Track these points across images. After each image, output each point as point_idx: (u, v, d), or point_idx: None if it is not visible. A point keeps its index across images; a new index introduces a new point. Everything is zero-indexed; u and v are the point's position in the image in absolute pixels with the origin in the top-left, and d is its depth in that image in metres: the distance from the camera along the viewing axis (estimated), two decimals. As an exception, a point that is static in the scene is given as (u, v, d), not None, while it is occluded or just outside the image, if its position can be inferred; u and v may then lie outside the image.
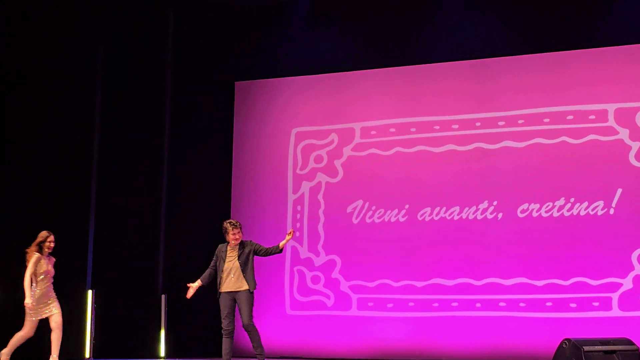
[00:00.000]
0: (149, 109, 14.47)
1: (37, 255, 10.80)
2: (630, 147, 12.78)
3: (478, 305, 13.07)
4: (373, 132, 14.16)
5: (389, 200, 13.84)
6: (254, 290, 10.20)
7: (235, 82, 15.13)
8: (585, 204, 12.86)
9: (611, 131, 12.92)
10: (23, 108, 13.56)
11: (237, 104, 15.02)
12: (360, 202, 14.04)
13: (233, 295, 10.18)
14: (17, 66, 13.44)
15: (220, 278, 10.23)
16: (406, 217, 13.72)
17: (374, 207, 13.91)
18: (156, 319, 13.31)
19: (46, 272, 10.86)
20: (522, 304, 12.87)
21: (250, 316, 10.09)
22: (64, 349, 11.31)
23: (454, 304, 13.15)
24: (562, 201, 12.95)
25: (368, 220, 13.91)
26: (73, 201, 13.52)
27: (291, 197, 14.49)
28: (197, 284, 10.35)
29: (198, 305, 11.91)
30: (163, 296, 13.25)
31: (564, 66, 13.30)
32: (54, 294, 11.00)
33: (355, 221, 14.01)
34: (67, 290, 12.77)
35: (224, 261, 10.26)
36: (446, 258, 13.30)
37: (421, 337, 13.25)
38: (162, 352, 13.50)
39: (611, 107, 12.95)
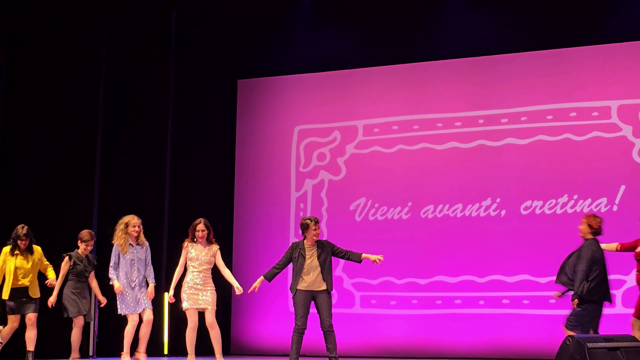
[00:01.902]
0: (152, 107, 14.47)
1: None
2: (633, 144, 12.76)
3: (481, 302, 13.06)
4: (376, 130, 14.15)
5: (392, 198, 13.83)
6: (332, 290, 10.15)
7: (238, 80, 15.13)
8: (589, 200, 12.84)
9: (614, 128, 12.91)
10: (27, 107, 13.54)
11: (239, 102, 15.02)
12: (363, 200, 14.04)
13: (312, 294, 10.03)
14: (22, 63, 13.42)
15: (299, 276, 10.03)
16: (409, 214, 13.71)
17: (377, 205, 13.91)
18: (160, 318, 13.32)
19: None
20: (525, 301, 12.86)
21: (331, 317, 10.02)
22: (67, 347, 11.31)
23: (457, 302, 13.15)
24: (565, 198, 12.93)
25: (371, 218, 13.91)
26: (77, 199, 13.51)
27: (294, 195, 14.49)
28: (259, 281, 10.20)
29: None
30: (165, 294, 13.25)
31: (566, 63, 13.28)
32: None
33: (358, 219, 14.01)
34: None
35: (305, 258, 10.10)
36: (449, 255, 13.30)
37: (424, 335, 13.25)
38: (166, 350, 13.52)
39: (614, 104, 12.93)
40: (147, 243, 10.88)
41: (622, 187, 12.72)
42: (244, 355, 12.91)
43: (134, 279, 10.60)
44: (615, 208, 12.71)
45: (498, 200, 13.30)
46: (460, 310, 13.13)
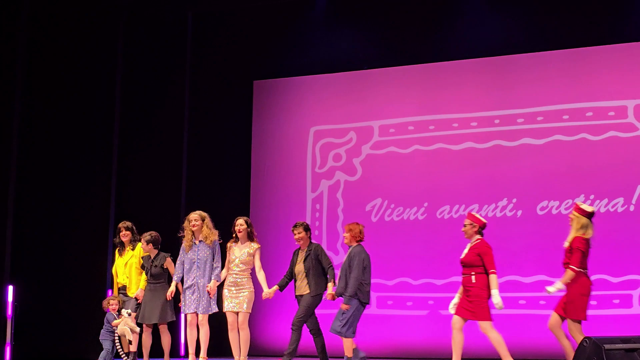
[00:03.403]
0: (169, 108, 14.52)
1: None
2: (650, 144, 12.72)
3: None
4: (392, 130, 14.15)
5: (408, 198, 13.83)
6: (317, 294, 10.09)
7: (254, 81, 15.16)
8: (605, 200, 12.80)
9: (631, 127, 12.86)
10: (42, 109, 13.58)
11: (255, 103, 15.05)
12: (379, 201, 14.04)
13: (298, 299, 10.21)
14: (39, 65, 13.47)
15: (294, 282, 10.28)
16: (425, 215, 13.70)
17: (392, 205, 13.90)
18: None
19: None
20: (542, 302, 12.82)
21: (301, 316, 10.04)
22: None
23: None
24: (581, 198, 12.89)
25: (387, 219, 13.91)
26: (94, 201, 13.55)
27: (310, 196, 14.50)
28: (273, 290, 10.23)
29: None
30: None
31: (582, 62, 13.24)
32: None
33: (374, 219, 14.00)
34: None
35: (295, 264, 10.28)
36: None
37: (441, 335, 13.20)
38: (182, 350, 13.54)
39: (631, 104, 12.89)
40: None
41: (639, 187, 12.67)
42: (259, 356, 12.92)
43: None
44: (632, 208, 12.67)
45: (514, 200, 13.27)
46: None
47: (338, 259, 13.88)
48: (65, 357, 12.58)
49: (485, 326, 9.10)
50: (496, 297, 9.01)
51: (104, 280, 13.17)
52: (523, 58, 13.59)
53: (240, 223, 10.28)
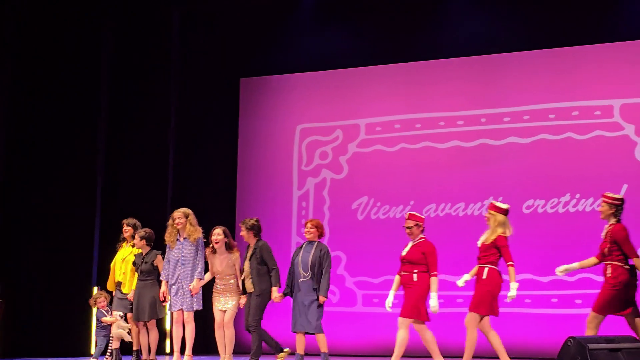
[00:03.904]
0: (155, 105, 14.47)
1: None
2: (635, 143, 12.75)
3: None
4: (378, 129, 14.15)
5: (394, 197, 13.83)
6: (261, 293, 9.89)
7: (241, 79, 15.14)
8: (591, 200, 12.83)
9: (617, 127, 12.90)
10: (29, 104, 13.52)
11: (242, 101, 15.03)
12: (365, 199, 14.04)
13: (249, 296, 10.05)
14: (26, 61, 13.41)
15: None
16: (411, 213, 13.70)
17: (379, 204, 13.91)
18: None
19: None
20: (527, 300, 12.85)
21: (253, 317, 9.91)
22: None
23: (459, 300, 13.11)
24: (567, 197, 12.93)
25: (373, 217, 13.91)
26: (80, 198, 13.50)
27: (296, 194, 14.50)
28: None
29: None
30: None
31: (569, 62, 13.27)
32: None
33: (360, 217, 14.01)
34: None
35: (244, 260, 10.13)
36: (451, 254, 13.27)
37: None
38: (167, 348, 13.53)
39: (617, 103, 12.92)
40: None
41: (625, 186, 12.70)
42: (246, 354, 12.89)
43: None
44: (617, 207, 12.69)
45: (500, 199, 13.24)
46: (462, 309, 13.07)
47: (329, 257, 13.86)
48: (51, 353, 12.54)
49: (420, 326, 9.08)
50: (434, 300, 8.98)
51: (90, 277, 13.15)
52: (509, 57, 13.61)
53: (217, 233, 10.09)
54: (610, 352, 7.62)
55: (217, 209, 14.13)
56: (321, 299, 9.65)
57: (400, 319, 9.05)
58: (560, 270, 9.02)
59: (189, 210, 10.24)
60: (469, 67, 13.81)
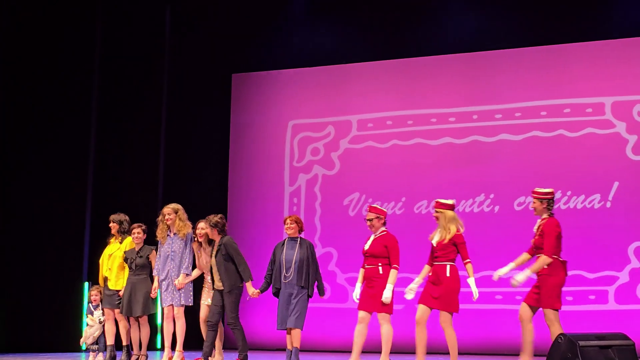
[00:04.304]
0: (147, 100, 14.44)
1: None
2: (627, 141, 12.78)
3: (474, 298, 13.06)
4: (370, 125, 14.15)
5: (386, 193, 13.84)
6: (231, 290, 9.52)
7: (233, 74, 15.13)
8: (582, 197, 12.87)
9: (608, 124, 12.92)
10: (20, 98, 13.47)
11: (234, 96, 15.02)
12: (356, 195, 14.04)
13: (220, 292, 9.69)
14: (17, 60, 13.35)
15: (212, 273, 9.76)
16: (403, 209, 13.72)
17: (370, 200, 13.90)
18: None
19: None
20: (518, 297, 12.86)
21: (230, 314, 9.61)
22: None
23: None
24: (558, 194, 12.94)
25: (365, 213, 13.89)
26: (71, 193, 13.47)
27: (288, 190, 14.49)
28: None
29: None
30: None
31: (561, 59, 13.30)
32: None
33: (351, 213, 14.02)
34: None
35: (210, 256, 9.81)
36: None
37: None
38: (159, 344, 13.51)
39: (608, 101, 12.95)
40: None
41: (616, 184, 12.74)
42: (233, 350, 12.88)
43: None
44: (608, 205, 12.74)
45: (492, 196, 13.32)
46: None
47: (315, 252, 13.83)
48: (42, 348, 12.53)
49: (382, 317, 9.07)
50: (388, 292, 8.98)
51: (81, 272, 13.12)
52: (502, 54, 13.63)
53: (201, 227, 9.92)
54: (601, 349, 7.63)
55: (209, 205, 14.08)
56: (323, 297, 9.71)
57: (379, 316, 9.05)
58: (495, 277, 8.92)
59: (178, 206, 10.21)
60: (461, 64, 13.82)
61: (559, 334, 7.85)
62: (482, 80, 13.67)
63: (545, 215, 8.67)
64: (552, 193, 8.62)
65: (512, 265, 8.87)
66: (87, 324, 11.04)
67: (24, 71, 13.29)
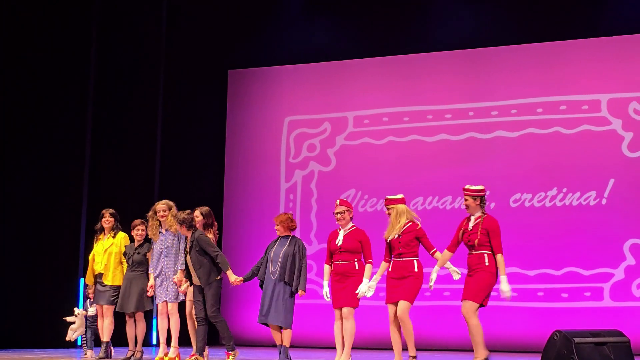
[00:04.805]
0: (143, 97, 14.41)
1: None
2: (623, 138, 12.79)
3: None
4: (366, 121, 14.15)
5: (382, 189, 13.80)
6: (210, 283, 9.40)
7: (229, 71, 15.12)
8: (578, 194, 12.88)
9: (604, 121, 12.93)
10: (15, 93, 13.45)
11: (230, 92, 15.02)
12: (353, 191, 14.04)
13: (198, 288, 9.59)
14: (12, 52, 13.33)
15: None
16: (399, 206, 13.70)
17: (366, 196, 13.92)
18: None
19: None
20: (513, 294, 12.86)
21: (211, 309, 9.44)
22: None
23: (446, 294, 13.16)
24: (554, 191, 12.96)
25: (361, 209, 13.91)
26: (67, 189, 13.45)
27: (284, 186, 14.49)
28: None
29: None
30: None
31: (557, 56, 13.30)
32: None
33: (347, 210, 13.98)
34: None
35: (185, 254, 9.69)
36: (438, 247, 13.25)
37: (413, 326, 13.24)
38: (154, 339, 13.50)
39: (604, 98, 12.96)
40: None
41: (612, 181, 12.75)
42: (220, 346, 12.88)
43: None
44: (604, 202, 12.75)
45: (487, 192, 13.20)
46: (448, 302, 13.15)
47: (311, 249, 13.88)
48: (37, 344, 12.51)
49: (350, 312, 9.08)
50: (364, 286, 8.98)
51: (77, 267, 13.10)
52: (498, 51, 13.64)
53: (195, 215, 9.84)
54: (596, 345, 7.64)
55: (205, 201, 14.03)
56: (301, 292, 9.56)
57: (346, 310, 9.05)
58: (430, 286, 8.82)
59: (171, 203, 10.21)
60: (457, 60, 13.83)
61: (554, 331, 7.86)
62: (478, 77, 13.67)
63: (479, 213, 8.63)
64: (484, 190, 8.64)
65: (436, 268, 8.73)
66: (69, 320, 11.09)
67: (19, 68, 13.28)
